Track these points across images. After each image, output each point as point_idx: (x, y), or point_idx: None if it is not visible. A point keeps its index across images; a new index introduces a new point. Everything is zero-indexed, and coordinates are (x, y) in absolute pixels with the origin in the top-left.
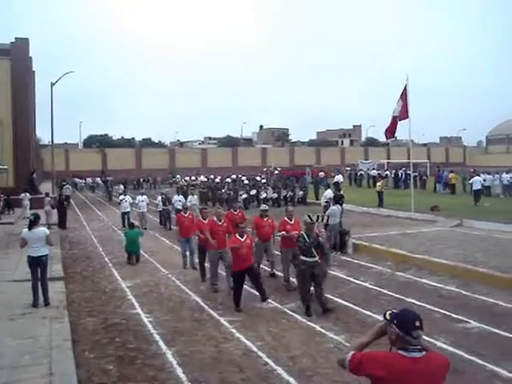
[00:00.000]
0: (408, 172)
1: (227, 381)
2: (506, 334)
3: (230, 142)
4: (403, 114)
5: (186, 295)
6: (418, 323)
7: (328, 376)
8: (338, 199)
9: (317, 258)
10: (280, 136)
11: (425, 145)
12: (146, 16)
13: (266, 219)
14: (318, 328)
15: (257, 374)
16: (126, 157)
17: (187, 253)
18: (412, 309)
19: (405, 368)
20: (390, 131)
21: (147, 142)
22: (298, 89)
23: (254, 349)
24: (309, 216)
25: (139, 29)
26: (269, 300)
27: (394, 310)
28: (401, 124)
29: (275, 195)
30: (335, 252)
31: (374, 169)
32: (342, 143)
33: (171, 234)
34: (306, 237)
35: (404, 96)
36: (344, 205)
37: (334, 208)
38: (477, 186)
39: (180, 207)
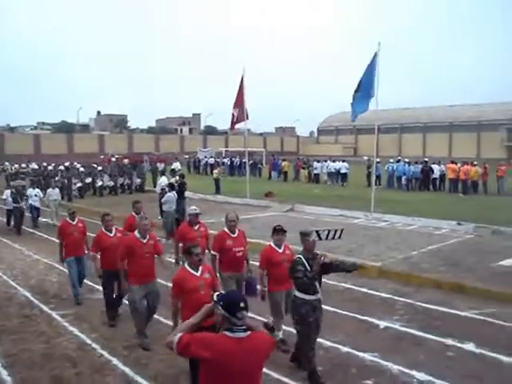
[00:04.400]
0: (244, 160)
1: (59, 377)
2: (333, 309)
3: (65, 128)
4: (239, 104)
5: (14, 290)
6: (242, 304)
7: (164, 362)
8: (181, 187)
9: (320, 295)
10: (118, 122)
11: (261, 134)
12: None
13: (196, 227)
14: (155, 316)
15: (91, 367)
16: None
17: (76, 278)
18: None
19: (229, 348)
20: (241, 118)
21: None
22: (137, 75)
23: (89, 341)
24: (317, 232)
25: None
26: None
27: (222, 292)
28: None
29: (112, 183)
30: (171, 240)
31: (212, 156)
32: (182, 131)
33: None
34: (306, 264)
35: (241, 86)
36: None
37: (170, 195)
38: (378, 172)
39: (37, 204)
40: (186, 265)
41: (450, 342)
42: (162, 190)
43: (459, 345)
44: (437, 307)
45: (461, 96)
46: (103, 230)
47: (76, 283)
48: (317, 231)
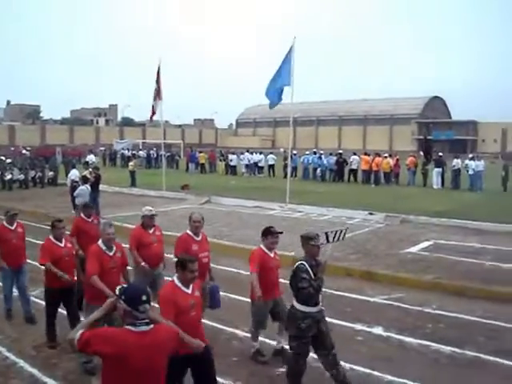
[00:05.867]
0: (160, 152)
1: None
2: (246, 300)
3: None
4: (158, 95)
5: None
6: (144, 297)
7: (75, 361)
8: (96, 179)
9: (321, 306)
10: (30, 113)
11: (180, 126)
12: None
13: (152, 230)
14: (65, 313)
15: None
16: None
17: (14, 293)
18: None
19: (132, 343)
20: (153, 112)
21: None
22: (51, 63)
23: None
24: (326, 234)
25: None
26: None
27: (124, 285)
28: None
29: (22, 176)
30: None
31: (129, 149)
32: (98, 122)
33: None
34: (310, 271)
35: (158, 78)
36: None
37: (83, 188)
38: (295, 163)
39: None
40: (175, 279)
41: (359, 326)
42: (75, 182)
43: (368, 329)
44: (347, 294)
45: (375, 90)
46: (51, 238)
47: (10, 296)
48: (326, 233)
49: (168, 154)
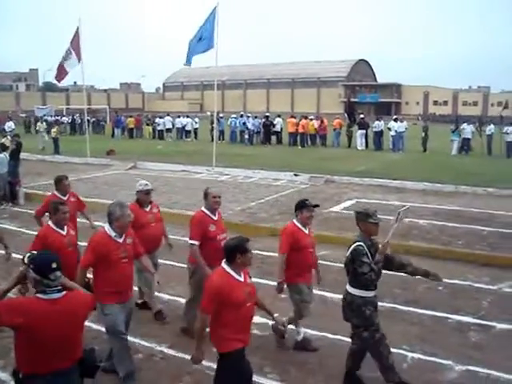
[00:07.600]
0: (85, 118)
1: None
2: (177, 264)
3: None
4: (76, 57)
5: None
6: (54, 265)
7: None
8: (17, 147)
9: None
10: None
11: (105, 91)
12: None
13: (148, 208)
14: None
15: None
16: None
17: None
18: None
19: (42, 311)
20: (60, 75)
21: None
22: None
23: None
24: (398, 213)
25: None
26: None
27: (34, 252)
28: (78, 69)
29: None
30: (6, 204)
31: (52, 115)
32: (17, 87)
33: None
34: (369, 253)
35: (76, 40)
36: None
37: (1, 156)
38: (222, 127)
39: None
40: (224, 265)
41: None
42: None
43: None
44: (272, 253)
45: (302, 53)
46: (51, 225)
47: None
48: (398, 212)
49: (93, 119)
